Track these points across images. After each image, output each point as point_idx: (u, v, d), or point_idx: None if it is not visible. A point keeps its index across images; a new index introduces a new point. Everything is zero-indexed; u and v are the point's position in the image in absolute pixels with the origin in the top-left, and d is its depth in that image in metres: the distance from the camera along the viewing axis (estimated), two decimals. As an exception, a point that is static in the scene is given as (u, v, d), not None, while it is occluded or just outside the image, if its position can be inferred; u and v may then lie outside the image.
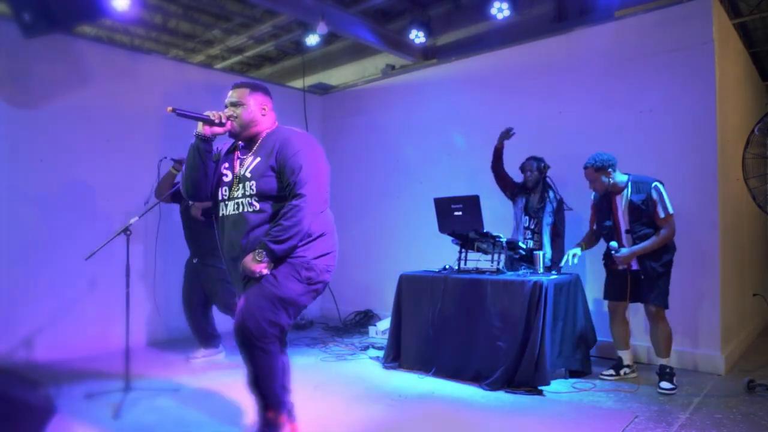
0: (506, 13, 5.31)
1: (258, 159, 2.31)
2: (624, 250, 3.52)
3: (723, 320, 3.91)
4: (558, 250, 4.10)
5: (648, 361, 4.07)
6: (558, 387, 3.50)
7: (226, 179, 2.37)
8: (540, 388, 3.40)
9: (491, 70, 5.27)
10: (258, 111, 2.38)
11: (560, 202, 4.19)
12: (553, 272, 3.86)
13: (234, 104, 2.35)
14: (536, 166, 4.21)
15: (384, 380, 3.71)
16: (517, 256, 4.09)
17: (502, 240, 3.89)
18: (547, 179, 4.27)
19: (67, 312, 4.39)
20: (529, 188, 4.26)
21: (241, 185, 2.30)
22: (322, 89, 6.91)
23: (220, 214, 2.37)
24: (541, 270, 3.81)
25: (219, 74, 6.06)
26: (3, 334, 4.05)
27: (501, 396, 3.39)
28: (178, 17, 6.80)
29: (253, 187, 2.26)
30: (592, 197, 3.82)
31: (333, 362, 4.25)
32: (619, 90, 4.38)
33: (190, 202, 4.12)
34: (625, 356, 3.73)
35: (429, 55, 6.65)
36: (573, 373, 3.72)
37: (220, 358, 4.28)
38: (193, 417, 3.03)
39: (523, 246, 4.02)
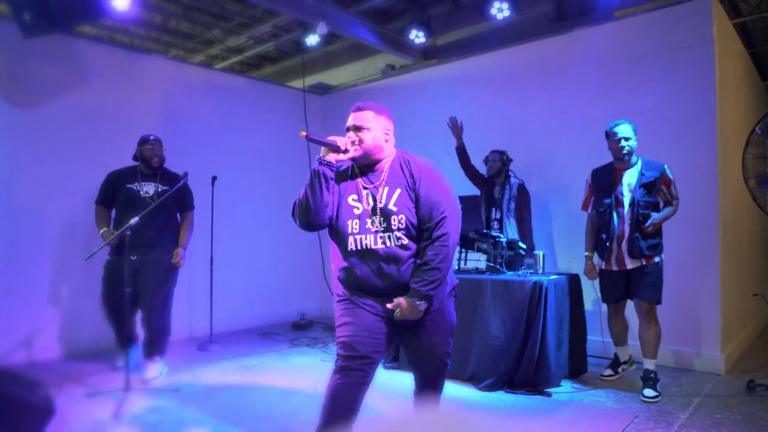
0: (506, 13, 5.31)
1: (399, 190, 2.14)
2: (656, 215, 3.36)
3: (723, 320, 3.90)
4: (527, 234, 4.23)
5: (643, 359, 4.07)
6: (558, 387, 3.50)
7: (356, 211, 2.16)
8: (540, 387, 3.40)
9: (491, 70, 5.27)
10: (382, 136, 2.20)
11: (521, 186, 4.31)
12: (531, 269, 3.83)
13: (357, 129, 2.17)
14: (498, 157, 4.35)
15: (384, 380, 3.71)
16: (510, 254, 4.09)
17: (502, 240, 3.89)
18: (509, 170, 4.39)
19: (66, 312, 4.39)
20: (492, 177, 4.39)
21: (382, 218, 2.13)
22: (322, 89, 6.91)
23: (350, 248, 2.15)
24: (542, 269, 3.80)
25: (219, 74, 6.06)
26: (3, 334, 4.05)
27: (501, 396, 3.39)
28: (178, 17, 6.81)
29: (402, 222, 2.11)
30: (590, 174, 3.68)
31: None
32: (619, 90, 4.38)
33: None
34: (622, 352, 3.71)
35: (429, 55, 6.65)
36: (572, 373, 3.72)
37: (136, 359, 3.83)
38: (193, 417, 3.03)
39: (523, 246, 4.02)
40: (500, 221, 4.29)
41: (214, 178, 4.94)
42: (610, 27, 4.53)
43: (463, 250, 4.13)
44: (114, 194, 3.87)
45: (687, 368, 3.94)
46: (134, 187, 3.82)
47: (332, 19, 5.49)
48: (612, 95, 4.42)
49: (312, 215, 2.14)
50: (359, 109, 2.22)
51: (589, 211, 3.69)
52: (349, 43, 7.10)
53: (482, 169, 4.56)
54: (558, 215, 4.72)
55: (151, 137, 3.94)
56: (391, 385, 3.60)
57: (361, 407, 2.19)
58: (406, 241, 2.12)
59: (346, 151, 2.13)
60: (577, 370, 3.72)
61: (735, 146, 4.26)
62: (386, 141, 2.22)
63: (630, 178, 3.45)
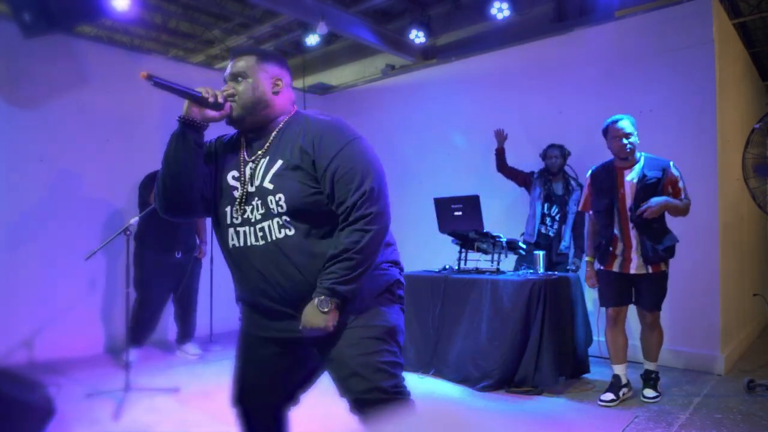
0: (506, 13, 5.31)
1: (279, 161, 1.59)
2: (655, 199, 3.05)
3: (723, 320, 3.90)
4: (579, 238, 4.09)
5: (639, 360, 4.06)
6: (557, 387, 3.50)
7: (235, 193, 1.64)
8: (540, 388, 3.40)
9: (491, 70, 5.27)
10: (268, 87, 1.64)
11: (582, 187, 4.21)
12: (570, 267, 3.84)
13: (235, 77, 1.65)
14: (559, 152, 4.20)
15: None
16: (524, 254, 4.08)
17: (502, 240, 3.89)
18: (568, 168, 4.28)
19: (67, 312, 4.39)
20: (553, 174, 4.22)
21: (259, 201, 1.59)
22: (322, 89, 6.91)
23: (231, 245, 1.64)
24: (542, 270, 3.80)
25: (219, 74, 6.05)
26: (3, 334, 4.05)
27: (501, 396, 3.39)
28: (178, 17, 6.81)
29: (282, 203, 1.56)
30: (589, 175, 3.43)
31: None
32: (619, 90, 4.38)
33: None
34: (622, 371, 3.32)
35: (429, 55, 6.65)
36: (572, 373, 3.72)
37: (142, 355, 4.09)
38: (193, 417, 3.03)
39: (523, 246, 4.02)
40: (554, 219, 4.16)
41: (214, 178, 4.94)
42: (610, 27, 4.53)
43: (463, 250, 4.13)
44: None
45: (687, 368, 3.94)
46: None
47: (332, 19, 5.49)
48: (612, 95, 4.42)
49: (174, 195, 1.62)
50: (238, 54, 1.68)
51: (591, 212, 3.46)
52: (349, 43, 7.11)
53: (532, 166, 4.44)
54: (558, 215, 4.71)
55: None
56: (391, 385, 3.60)
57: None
58: (291, 230, 1.56)
59: (216, 105, 1.60)
60: (577, 370, 3.71)
61: (735, 146, 4.26)
62: (276, 95, 1.65)
63: (632, 177, 3.19)
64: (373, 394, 1.54)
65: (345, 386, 1.58)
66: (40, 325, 4.22)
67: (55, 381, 3.64)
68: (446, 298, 3.82)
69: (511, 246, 3.97)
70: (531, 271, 3.82)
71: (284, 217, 1.56)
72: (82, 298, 4.48)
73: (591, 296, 4.14)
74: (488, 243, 3.94)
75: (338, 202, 1.55)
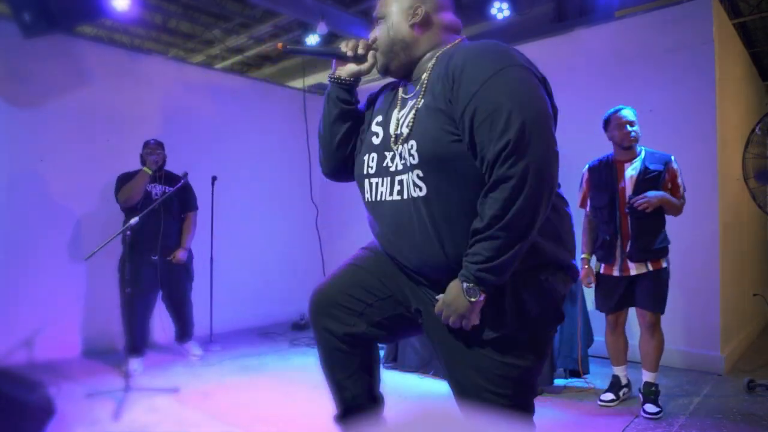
0: (506, 13, 5.31)
1: (421, 101, 1.35)
2: (653, 192, 2.95)
3: (723, 320, 3.90)
4: None
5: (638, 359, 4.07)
6: (557, 387, 3.50)
7: (374, 139, 1.45)
8: (542, 388, 3.40)
9: (491, 70, 5.26)
10: (406, 21, 1.41)
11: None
12: None
13: (377, 20, 1.47)
14: None
15: (384, 380, 3.70)
16: None
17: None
18: None
19: (66, 312, 4.39)
20: None
21: (398, 149, 1.36)
22: (323, 89, 6.91)
23: (366, 198, 1.47)
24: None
25: (219, 74, 6.06)
26: (3, 334, 4.05)
27: (501, 396, 3.38)
28: (178, 17, 6.80)
29: (414, 152, 1.30)
30: (586, 169, 3.32)
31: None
32: (619, 90, 4.37)
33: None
34: (622, 372, 3.30)
35: (429, 55, 6.65)
36: (572, 373, 3.72)
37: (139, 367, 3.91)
38: (193, 417, 3.03)
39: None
40: None
41: (214, 178, 4.94)
42: (610, 27, 4.53)
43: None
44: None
45: (687, 368, 3.94)
46: (147, 188, 3.88)
47: (332, 19, 5.49)
48: (612, 95, 4.40)
49: (329, 158, 1.54)
50: None
51: (587, 208, 3.32)
52: (349, 43, 7.11)
53: None
54: (558, 215, 4.71)
55: (151, 142, 3.99)
56: (391, 384, 3.60)
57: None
58: (423, 189, 1.29)
59: (359, 58, 1.46)
60: (577, 370, 3.71)
61: (735, 146, 4.26)
62: (414, 27, 1.41)
63: (633, 171, 3.08)
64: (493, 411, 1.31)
65: (455, 395, 1.42)
66: (40, 325, 4.22)
67: (55, 381, 3.64)
68: (446, 298, 3.81)
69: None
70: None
71: (416, 171, 1.30)
72: (81, 298, 4.48)
73: (591, 296, 4.14)
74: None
75: (480, 156, 1.23)
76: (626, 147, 3.10)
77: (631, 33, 4.38)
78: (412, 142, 1.30)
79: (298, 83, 6.67)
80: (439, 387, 3.58)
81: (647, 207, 2.94)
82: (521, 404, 1.39)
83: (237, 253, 5.58)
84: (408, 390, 3.51)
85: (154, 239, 3.86)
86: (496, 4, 5.26)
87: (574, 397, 3.38)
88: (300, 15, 5.43)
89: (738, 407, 3.12)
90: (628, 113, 3.11)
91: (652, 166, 3.05)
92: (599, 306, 3.30)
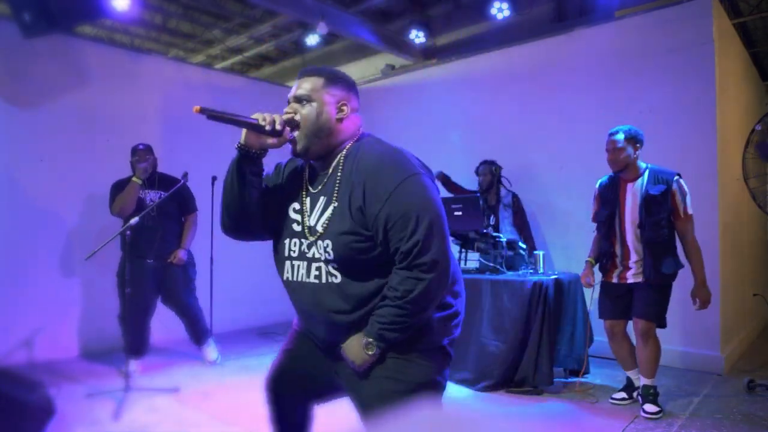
0: (506, 13, 5.31)
1: (334, 204, 1.50)
2: (701, 290, 3.05)
3: (723, 320, 3.90)
4: (528, 237, 4.37)
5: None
6: (557, 387, 3.50)
7: (295, 226, 1.57)
8: (540, 388, 3.40)
9: (491, 70, 5.27)
10: (333, 113, 1.54)
11: (514, 195, 4.45)
12: (528, 268, 3.86)
13: (299, 100, 1.55)
14: (489, 169, 4.47)
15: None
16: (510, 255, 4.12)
17: (502, 240, 3.89)
18: (501, 179, 4.52)
19: (66, 312, 4.39)
20: (484, 190, 4.50)
21: (314, 239, 1.52)
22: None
23: (285, 278, 1.62)
24: (541, 269, 3.80)
25: (219, 74, 6.06)
26: (3, 334, 4.05)
27: (501, 396, 3.39)
28: (178, 17, 6.81)
29: (329, 250, 1.48)
30: (597, 186, 3.35)
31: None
32: (619, 90, 4.38)
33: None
34: (634, 375, 3.26)
35: (429, 55, 6.65)
36: (572, 373, 3.72)
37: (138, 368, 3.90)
38: (193, 417, 3.03)
39: (524, 246, 4.02)
40: (495, 227, 4.38)
41: (214, 178, 4.93)
42: (610, 27, 4.53)
43: (463, 250, 4.13)
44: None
45: (687, 368, 3.94)
46: (140, 195, 3.80)
47: (332, 19, 5.49)
48: (612, 95, 4.42)
49: (233, 221, 1.61)
50: (305, 74, 1.58)
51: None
52: (349, 43, 7.10)
53: (469, 176, 4.68)
54: (557, 215, 4.72)
55: (140, 147, 3.90)
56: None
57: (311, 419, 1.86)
58: (338, 278, 1.49)
59: (275, 133, 1.50)
60: (577, 370, 3.71)
61: (735, 146, 4.26)
62: (340, 121, 1.54)
63: (632, 192, 3.10)
64: None
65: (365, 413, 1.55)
66: (40, 325, 4.22)
67: (55, 381, 3.64)
68: (446, 298, 3.81)
69: (511, 246, 3.98)
70: (531, 271, 3.82)
71: (331, 264, 1.49)
72: (81, 298, 4.48)
73: (591, 296, 4.14)
74: (488, 243, 3.95)
75: (394, 249, 1.44)
76: (615, 171, 3.16)
77: (631, 33, 4.38)
78: (328, 242, 1.48)
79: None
80: (439, 387, 3.58)
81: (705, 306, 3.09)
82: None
83: (237, 253, 5.57)
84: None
85: (151, 243, 3.81)
86: (496, 4, 5.27)
87: (574, 396, 3.38)
88: (300, 15, 5.43)
89: (738, 407, 3.12)
90: (617, 137, 3.11)
91: (653, 191, 3.02)
92: (599, 312, 3.36)
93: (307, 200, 1.57)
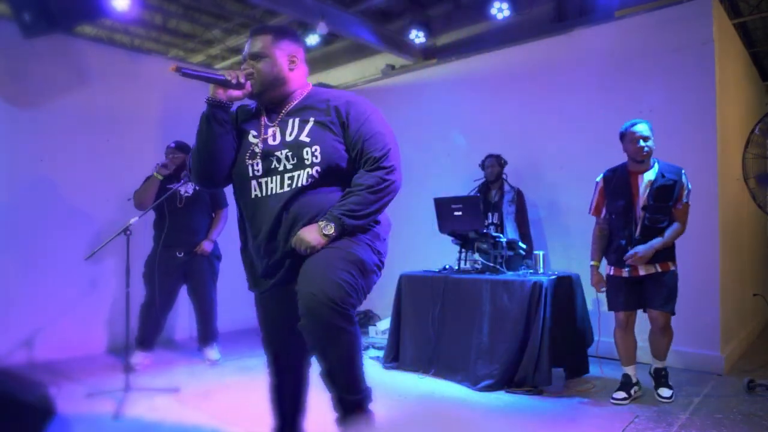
0: (506, 13, 5.31)
1: (312, 119, 1.79)
2: (640, 247, 3.12)
3: (723, 320, 3.90)
4: (527, 235, 4.37)
5: (646, 361, 4.07)
6: (557, 387, 3.50)
7: (256, 149, 1.80)
8: (540, 388, 3.40)
9: (491, 70, 5.27)
10: (285, 65, 1.82)
11: (518, 192, 4.45)
12: (525, 266, 3.87)
13: (254, 57, 1.82)
14: (495, 161, 4.46)
15: (384, 380, 3.70)
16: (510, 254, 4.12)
17: (502, 240, 3.89)
18: (504, 174, 4.52)
19: (67, 312, 4.39)
20: (490, 182, 4.49)
21: (290, 153, 1.75)
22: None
23: (253, 195, 1.81)
24: (541, 269, 3.80)
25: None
26: (3, 334, 4.05)
27: (501, 396, 3.39)
28: (178, 17, 6.80)
29: (318, 154, 1.73)
30: (600, 179, 3.41)
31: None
32: (619, 90, 4.38)
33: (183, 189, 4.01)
34: (632, 372, 3.35)
35: (429, 55, 6.65)
36: (572, 373, 3.72)
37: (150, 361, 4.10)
38: (193, 417, 3.03)
39: (524, 246, 4.02)
40: (498, 225, 4.35)
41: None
42: (610, 27, 4.53)
43: (463, 250, 4.13)
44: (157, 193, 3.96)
45: (687, 368, 3.94)
46: (173, 186, 3.83)
47: (332, 19, 5.49)
48: (612, 95, 4.42)
49: (209, 168, 1.82)
50: (255, 33, 1.85)
51: (602, 216, 3.40)
52: (349, 43, 7.10)
53: (470, 177, 4.66)
54: (557, 215, 4.72)
55: (172, 144, 4.12)
56: (391, 384, 3.60)
57: (306, 400, 2.09)
58: (318, 179, 1.76)
59: (239, 85, 1.77)
60: (577, 370, 3.71)
61: (735, 146, 4.26)
62: (291, 71, 1.84)
63: (647, 180, 3.21)
64: (320, 299, 1.56)
65: (300, 294, 1.64)
66: (40, 325, 4.22)
67: (55, 381, 3.64)
68: (446, 298, 3.82)
69: (511, 246, 3.98)
70: (531, 271, 3.82)
71: (315, 168, 1.74)
72: (82, 298, 4.48)
73: (591, 296, 4.14)
74: (488, 243, 3.95)
75: (366, 157, 1.77)
76: (639, 161, 3.23)
77: (631, 33, 4.38)
78: (316, 147, 1.75)
79: (298, 83, 6.65)
80: (440, 387, 3.58)
81: (639, 261, 3.15)
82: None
83: (237, 252, 5.58)
84: (408, 390, 3.51)
85: (180, 235, 4.00)
86: (496, 4, 5.27)
87: (574, 397, 3.38)
88: (300, 15, 5.43)
89: (738, 407, 3.12)
90: (642, 128, 3.21)
91: (667, 175, 3.19)
92: (610, 305, 3.38)
93: (271, 129, 1.82)
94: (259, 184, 1.79)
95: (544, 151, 4.77)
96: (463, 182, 4.76)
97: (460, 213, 3.86)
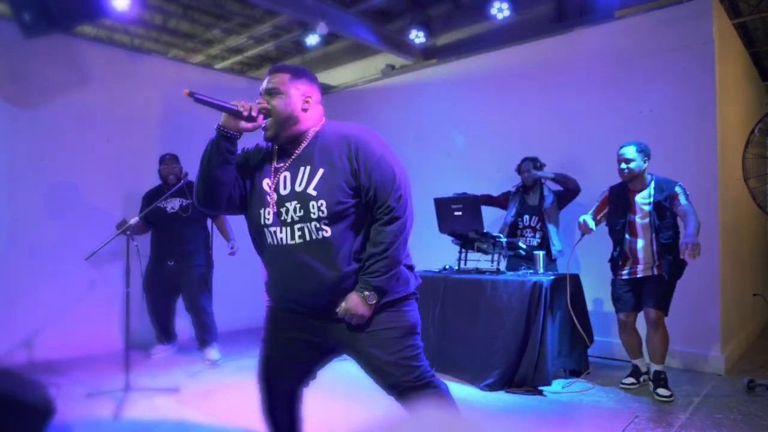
0: (506, 13, 5.31)
1: (321, 170, 1.76)
2: (688, 240, 3.05)
3: (723, 320, 3.90)
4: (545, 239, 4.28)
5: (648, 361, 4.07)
6: (558, 387, 3.50)
7: (268, 199, 1.81)
8: (540, 388, 3.40)
9: (491, 70, 5.27)
10: (299, 104, 1.82)
11: (555, 194, 4.31)
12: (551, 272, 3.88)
13: (270, 93, 1.81)
14: (532, 165, 4.25)
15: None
16: (514, 254, 4.11)
17: (502, 240, 3.89)
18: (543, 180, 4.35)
19: (67, 312, 4.39)
20: (528, 187, 4.29)
21: (299, 205, 1.75)
22: (322, 89, 6.89)
23: (269, 243, 1.83)
24: (542, 270, 3.80)
25: (219, 74, 6.06)
26: (3, 334, 4.05)
27: (501, 396, 3.39)
28: (178, 17, 6.81)
29: (324, 209, 1.72)
30: (607, 189, 3.58)
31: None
32: (619, 90, 4.38)
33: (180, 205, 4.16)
34: (641, 363, 3.58)
35: (429, 55, 6.65)
36: (572, 373, 3.72)
37: (171, 353, 4.48)
38: (192, 417, 3.03)
39: (523, 246, 4.02)
40: (536, 228, 4.19)
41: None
42: (610, 27, 4.53)
43: (463, 250, 4.13)
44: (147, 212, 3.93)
45: (687, 368, 3.94)
46: (160, 204, 3.95)
47: (332, 19, 5.49)
48: (612, 95, 4.42)
49: (209, 196, 1.81)
50: (274, 71, 1.86)
51: (606, 224, 3.60)
52: (349, 43, 7.10)
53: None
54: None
55: (166, 156, 4.21)
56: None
57: (300, 415, 2.06)
58: (328, 232, 1.74)
59: (251, 118, 1.75)
60: (577, 370, 3.72)
61: (735, 146, 4.26)
62: (305, 111, 1.83)
63: (642, 199, 3.38)
64: (400, 386, 1.79)
65: (376, 379, 1.84)
66: (40, 325, 4.22)
67: (55, 381, 3.64)
68: (446, 298, 3.82)
69: (511, 246, 3.97)
70: (531, 271, 3.82)
71: (323, 221, 1.74)
72: (82, 298, 4.48)
73: (591, 296, 4.14)
74: (488, 243, 3.94)
75: (380, 204, 1.76)
76: (623, 181, 3.44)
77: (631, 33, 4.38)
78: (322, 201, 1.73)
79: (298, 83, 6.65)
80: (439, 387, 3.58)
81: (697, 254, 3.05)
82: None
83: (237, 252, 5.58)
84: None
85: (170, 246, 4.14)
86: (496, 4, 5.27)
87: (574, 397, 3.38)
88: (300, 15, 5.43)
89: (738, 407, 3.12)
90: (626, 150, 3.38)
91: (658, 196, 3.34)
92: (616, 307, 3.57)
93: (282, 174, 1.81)
94: (272, 233, 1.81)
95: (544, 150, 4.75)
96: (463, 182, 4.75)
97: (460, 213, 3.86)
